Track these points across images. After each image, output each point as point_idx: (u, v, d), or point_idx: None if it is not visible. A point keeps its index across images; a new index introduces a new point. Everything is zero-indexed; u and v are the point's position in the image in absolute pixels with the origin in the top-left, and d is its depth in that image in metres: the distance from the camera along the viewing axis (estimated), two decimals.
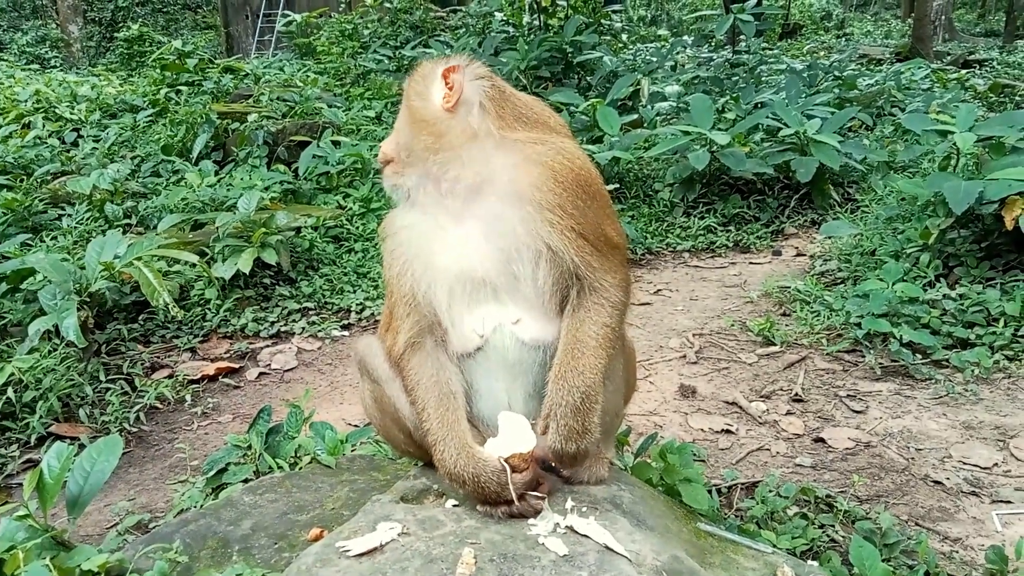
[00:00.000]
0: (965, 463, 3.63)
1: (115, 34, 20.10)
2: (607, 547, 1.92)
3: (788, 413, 4.20)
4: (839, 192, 7.78)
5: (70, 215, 6.71)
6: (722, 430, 4.05)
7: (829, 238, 6.50)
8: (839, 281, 5.80)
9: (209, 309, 5.49)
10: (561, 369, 2.06)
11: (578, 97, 9.15)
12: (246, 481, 3.04)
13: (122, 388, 4.49)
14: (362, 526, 2.06)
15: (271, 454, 3.19)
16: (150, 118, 9.47)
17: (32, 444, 3.97)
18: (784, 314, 5.49)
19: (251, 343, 5.31)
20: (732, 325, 5.36)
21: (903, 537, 2.90)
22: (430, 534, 2.00)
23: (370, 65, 12.24)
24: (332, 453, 3.03)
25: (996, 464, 3.60)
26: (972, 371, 4.37)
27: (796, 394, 4.36)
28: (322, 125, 8.49)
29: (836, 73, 12.01)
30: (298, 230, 6.24)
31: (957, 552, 3.00)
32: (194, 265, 5.34)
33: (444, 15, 15.17)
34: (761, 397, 4.39)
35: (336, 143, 7.91)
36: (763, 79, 11.92)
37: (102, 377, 4.50)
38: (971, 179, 5.23)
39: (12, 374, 3.97)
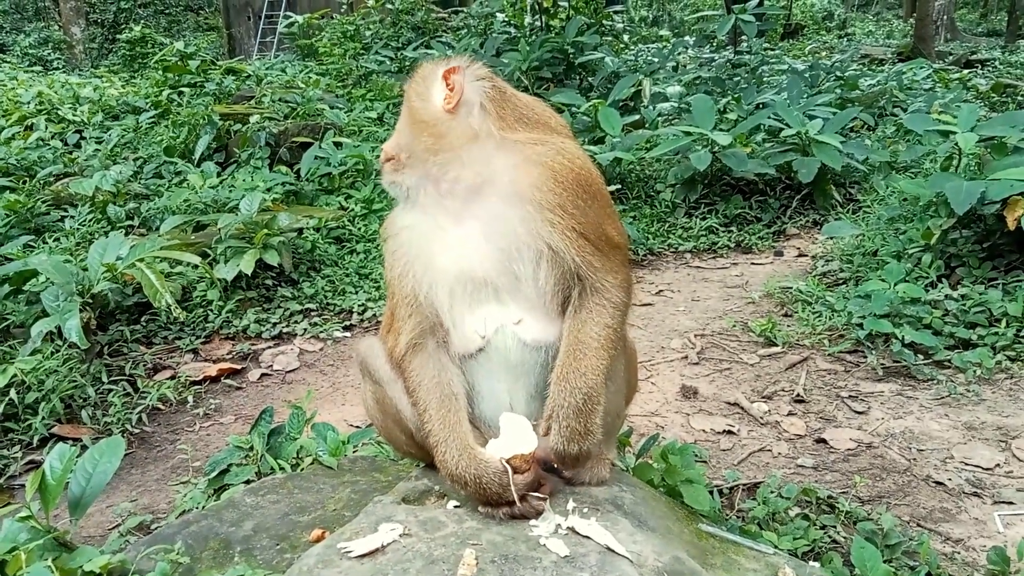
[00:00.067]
0: (967, 464, 3.63)
1: (117, 36, 20.12)
2: (608, 548, 1.92)
3: (790, 414, 4.20)
4: (841, 192, 7.78)
5: (72, 217, 6.72)
6: (724, 431, 4.05)
7: (831, 238, 6.50)
8: (841, 282, 5.80)
9: (211, 310, 5.50)
10: (563, 370, 2.06)
11: (580, 98, 9.15)
12: (248, 482, 3.04)
13: (124, 389, 4.50)
14: (364, 527, 2.06)
15: (273, 455, 3.20)
16: (152, 120, 9.47)
17: (34, 445, 3.98)
18: (786, 315, 5.49)
19: (253, 344, 5.31)
20: (734, 326, 5.36)
21: (905, 538, 2.90)
22: (432, 535, 2.00)
23: (372, 66, 12.25)
24: (334, 454, 3.03)
25: (998, 465, 3.60)
26: (974, 372, 4.36)
27: (798, 395, 4.35)
28: (324, 126, 8.50)
29: (838, 73, 12.01)
30: (300, 231, 6.25)
31: (959, 553, 3.00)
32: (196, 266, 5.35)
33: (446, 16, 15.18)
34: (763, 398, 4.39)
35: (338, 144, 7.91)
36: (765, 79, 11.91)
37: (104, 378, 4.51)
38: (973, 179, 5.22)
39: (15, 375, 3.97)
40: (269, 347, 5.31)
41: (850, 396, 4.33)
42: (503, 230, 2.06)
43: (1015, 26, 22.91)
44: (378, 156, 2.35)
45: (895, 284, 4.86)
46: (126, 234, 6.25)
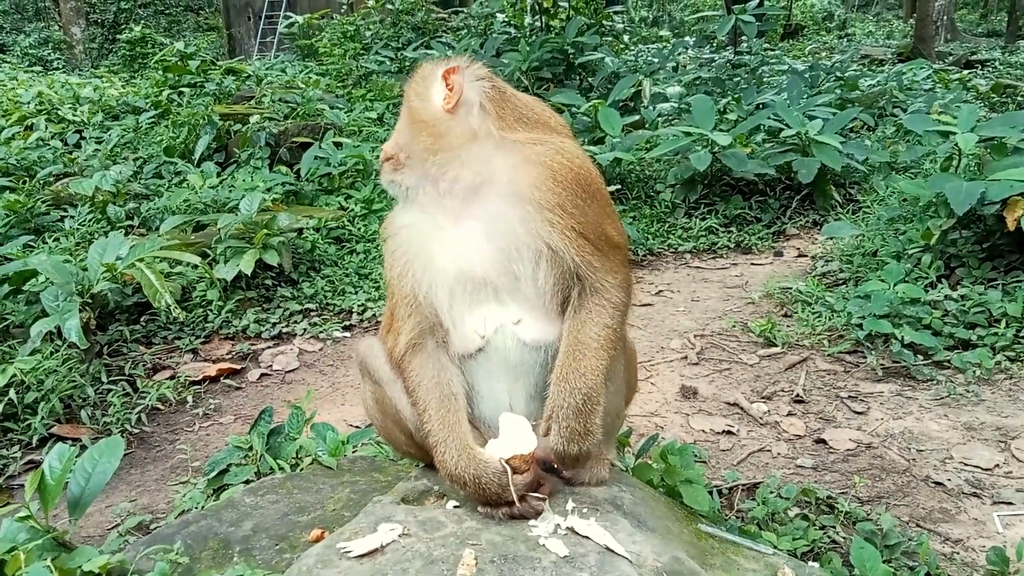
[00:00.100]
0: (966, 464, 3.63)
1: (117, 36, 20.12)
2: (608, 548, 1.92)
3: (789, 414, 4.20)
4: (841, 193, 7.78)
5: (72, 217, 6.72)
6: (723, 431, 4.05)
7: (831, 239, 6.50)
8: (840, 282, 5.80)
9: (211, 310, 5.50)
10: (563, 371, 2.06)
11: (580, 98, 9.15)
12: (247, 482, 3.04)
13: (124, 389, 4.50)
14: (363, 527, 2.06)
15: (272, 455, 3.20)
16: (152, 120, 9.48)
17: (34, 445, 3.98)
18: (785, 315, 5.49)
19: (253, 344, 5.31)
20: (733, 326, 5.36)
21: (904, 538, 2.90)
22: (431, 535, 2.00)
23: (372, 66, 12.25)
24: (333, 454, 3.03)
25: (997, 465, 3.60)
26: (973, 372, 4.36)
27: (797, 395, 4.35)
28: (324, 126, 8.50)
29: (838, 74, 12.02)
30: (300, 231, 6.25)
31: (958, 553, 3.00)
32: (196, 266, 5.35)
33: (446, 16, 15.18)
34: (762, 398, 4.39)
35: (338, 144, 7.92)
36: (765, 80, 11.92)
37: (104, 378, 4.50)
38: (973, 180, 5.22)
39: (14, 375, 3.97)
40: (269, 347, 5.31)
41: (849, 396, 4.33)
42: (502, 230, 2.06)
43: (1015, 27, 22.92)
44: (378, 156, 2.35)
45: (895, 284, 4.86)
46: (126, 234, 6.25)
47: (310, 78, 11.78)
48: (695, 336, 5.24)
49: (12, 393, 4.00)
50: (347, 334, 5.50)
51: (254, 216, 5.86)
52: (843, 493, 3.37)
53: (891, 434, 3.92)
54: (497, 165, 2.09)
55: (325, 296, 5.88)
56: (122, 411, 4.29)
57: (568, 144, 2.17)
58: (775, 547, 2.51)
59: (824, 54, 18.47)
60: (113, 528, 3.31)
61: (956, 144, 5.68)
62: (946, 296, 4.88)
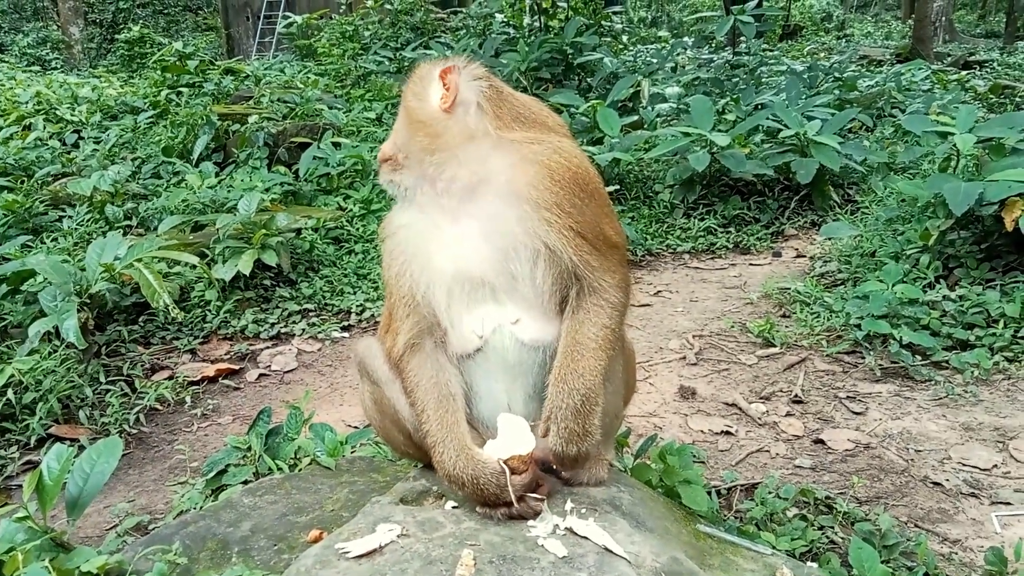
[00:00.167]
0: (964, 464, 3.63)
1: (116, 36, 20.11)
2: (606, 549, 1.92)
3: (788, 414, 4.20)
4: (839, 193, 7.78)
5: (71, 217, 6.72)
6: (722, 431, 4.05)
7: (829, 239, 6.50)
8: (839, 282, 5.80)
9: (209, 311, 5.50)
10: (561, 371, 2.06)
11: (578, 98, 9.16)
12: (246, 483, 3.04)
13: (122, 389, 4.49)
14: (361, 528, 2.06)
15: (271, 456, 3.20)
16: (151, 120, 9.47)
17: (32, 445, 3.97)
18: (784, 315, 5.50)
19: (251, 344, 5.31)
20: (732, 326, 5.36)
21: (902, 538, 2.90)
22: (429, 536, 2.00)
23: (371, 67, 12.25)
24: (332, 455, 3.03)
25: (995, 465, 3.60)
26: (972, 372, 4.37)
27: (796, 395, 4.35)
28: (323, 127, 8.50)
29: (836, 74, 12.03)
30: (298, 231, 6.25)
31: (956, 553, 3.00)
32: (194, 267, 5.35)
33: (445, 16, 15.18)
34: (761, 398, 4.39)
35: (336, 144, 7.91)
36: (763, 80, 11.93)
37: (102, 379, 4.50)
38: (971, 180, 5.23)
39: (12, 375, 3.97)
40: (267, 347, 5.30)
41: (848, 397, 4.33)
42: (500, 229, 2.06)
43: (1013, 27, 22.94)
44: (376, 156, 2.35)
45: (893, 285, 4.86)
46: (124, 234, 6.25)
47: (309, 78, 11.78)
48: (694, 336, 5.25)
49: (10, 393, 4.00)
50: (345, 334, 5.50)
51: (252, 216, 5.86)
52: (841, 493, 3.37)
53: (889, 434, 3.92)
54: (494, 164, 2.09)
55: (323, 296, 5.87)
56: (120, 411, 4.28)
57: (566, 143, 2.17)
58: (773, 547, 2.51)
59: (823, 55, 18.49)
60: (111, 528, 3.30)
61: (954, 145, 5.68)
62: (944, 296, 4.88)
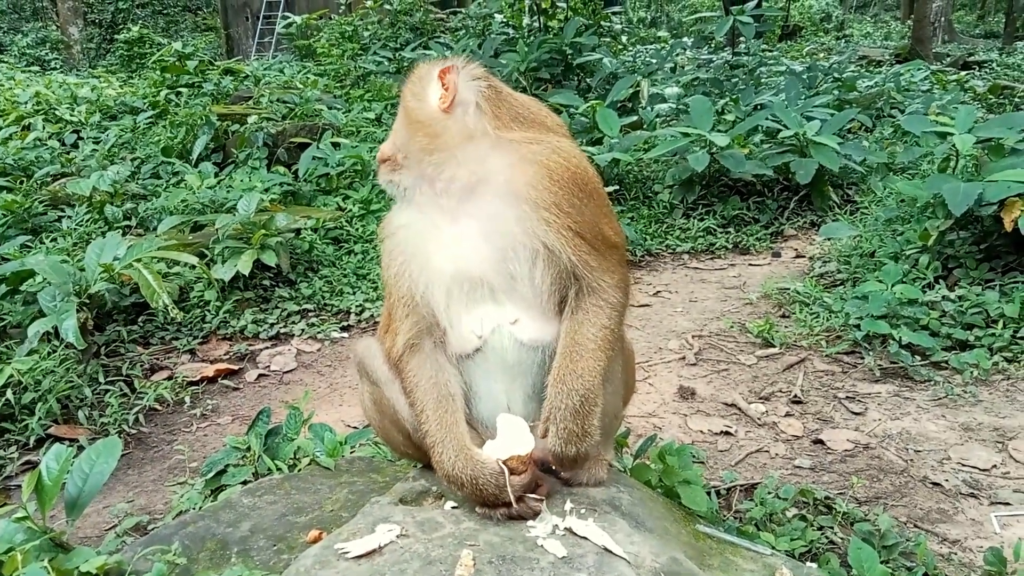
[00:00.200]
0: (964, 465, 3.63)
1: (115, 36, 20.10)
2: (606, 549, 1.92)
3: (787, 415, 4.20)
4: (838, 194, 7.79)
5: (70, 217, 6.71)
6: (721, 432, 4.05)
7: (828, 240, 6.50)
8: (838, 283, 5.81)
9: (208, 311, 5.49)
10: (560, 372, 2.06)
11: (578, 99, 9.16)
12: (245, 483, 3.04)
13: (121, 390, 4.49)
14: (361, 528, 2.06)
15: (270, 456, 3.20)
16: (150, 120, 9.46)
17: (31, 446, 3.97)
18: (783, 316, 5.50)
19: (250, 345, 5.31)
20: (731, 327, 5.36)
21: (902, 539, 2.90)
22: (429, 536, 2.00)
23: (370, 67, 12.25)
24: (331, 455, 3.03)
25: (995, 466, 3.60)
26: (971, 373, 4.37)
27: (795, 396, 4.36)
28: (322, 127, 8.50)
29: (836, 75, 12.03)
30: (298, 232, 6.25)
31: (956, 554, 3.00)
32: (194, 267, 5.35)
33: (444, 17, 15.18)
34: (760, 399, 4.39)
35: (336, 145, 7.91)
36: (763, 81, 11.94)
37: (101, 379, 4.50)
38: (970, 181, 5.23)
39: (11, 376, 3.97)
40: (266, 348, 5.30)
41: (847, 397, 4.33)
42: (499, 229, 2.06)
43: (1012, 28, 22.96)
44: (376, 157, 2.35)
45: (892, 285, 4.86)
46: (123, 234, 6.25)
47: (308, 78, 11.77)
48: (693, 337, 5.25)
49: (9, 393, 4.00)
50: (345, 335, 5.49)
51: (252, 216, 5.86)
52: (841, 494, 3.37)
53: (889, 435, 3.92)
54: (493, 164, 2.09)
55: (323, 297, 5.87)
56: (119, 412, 4.28)
57: (565, 143, 2.17)
58: (773, 547, 2.51)
59: (822, 55, 18.50)
60: (111, 529, 3.30)
61: (953, 145, 5.68)
62: (944, 297, 4.88)
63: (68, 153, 8.71)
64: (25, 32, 22.04)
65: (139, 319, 5.34)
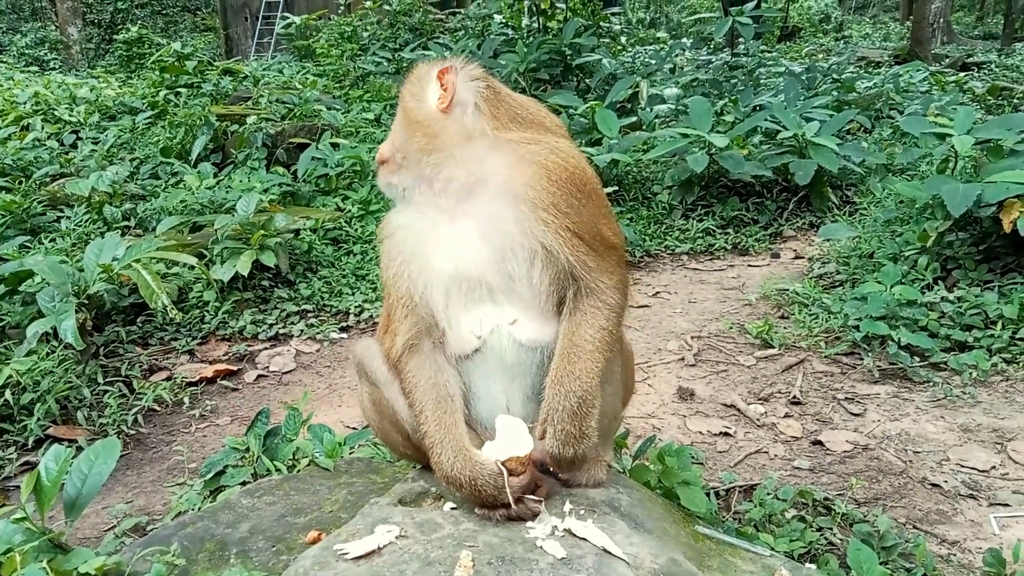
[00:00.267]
0: (963, 466, 3.63)
1: (114, 36, 20.10)
2: (605, 550, 1.92)
3: (786, 416, 4.20)
4: (837, 195, 7.79)
5: (69, 217, 6.71)
6: (720, 433, 4.05)
7: (827, 241, 6.51)
8: (837, 284, 5.81)
9: (207, 311, 5.49)
10: (558, 374, 2.06)
11: (577, 99, 9.16)
12: (244, 484, 3.03)
13: (120, 390, 4.49)
14: (360, 529, 2.06)
15: (269, 456, 3.19)
16: (149, 120, 9.46)
17: (30, 446, 3.97)
18: (782, 317, 5.50)
19: (249, 345, 5.31)
20: (730, 328, 5.36)
21: (901, 540, 2.91)
22: (428, 537, 2.00)
23: (369, 67, 12.25)
24: (330, 456, 3.02)
25: (994, 467, 3.61)
26: (970, 374, 4.37)
27: (794, 397, 4.36)
28: (321, 127, 8.50)
29: (835, 76, 12.03)
30: (297, 232, 6.25)
31: (955, 555, 3.00)
32: (193, 267, 5.34)
33: (443, 17, 15.18)
34: (759, 400, 4.39)
35: (335, 145, 7.91)
36: (762, 82, 11.94)
37: (100, 379, 4.49)
38: (969, 182, 5.24)
39: (10, 376, 3.96)
40: (265, 348, 5.30)
41: (846, 398, 4.33)
42: (497, 229, 2.06)
43: (1011, 29, 22.99)
44: (375, 157, 2.35)
45: (891, 286, 4.86)
46: (122, 235, 6.25)
47: (307, 79, 11.78)
48: (692, 338, 5.25)
49: (8, 394, 4.00)
50: (344, 335, 5.49)
51: (251, 217, 5.85)
52: (840, 495, 3.37)
53: (888, 436, 3.93)
54: (491, 164, 2.09)
55: (322, 297, 5.87)
56: (118, 412, 4.28)
57: (563, 144, 2.17)
58: (772, 549, 2.51)
59: (821, 56, 18.51)
60: (109, 530, 3.30)
61: (952, 146, 5.69)
62: (942, 298, 4.88)
63: (67, 153, 8.70)
64: (24, 32, 22.02)
65: (138, 320, 5.33)
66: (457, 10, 16.06)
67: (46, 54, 20.66)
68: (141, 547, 2.36)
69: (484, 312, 2.11)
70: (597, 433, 2.11)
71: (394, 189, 2.23)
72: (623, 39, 15.91)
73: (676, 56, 14.47)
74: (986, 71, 16.35)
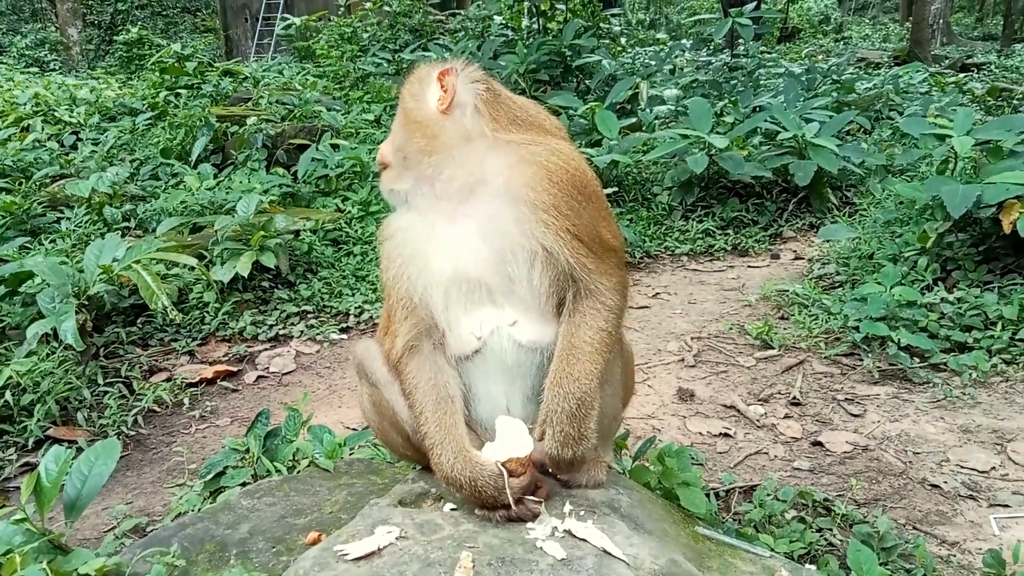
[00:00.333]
0: (963, 467, 3.64)
1: (114, 37, 20.10)
2: (605, 551, 1.92)
3: (786, 417, 4.20)
4: (837, 196, 7.80)
5: (69, 218, 6.71)
6: (720, 434, 4.05)
7: (827, 242, 6.51)
8: (837, 285, 5.81)
9: (207, 312, 5.49)
10: (557, 375, 2.06)
11: (577, 100, 9.17)
12: (244, 485, 3.03)
13: (120, 391, 4.49)
14: (360, 530, 2.06)
15: (269, 457, 3.19)
16: (149, 121, 9.47)
17: (30, 447, 3.97)
18: (782, 317, 5.50)
19: (249, 346, 5.31)
20: (730, 328, 5.36)
21: (901, 541, 2.91)
22: (428, 538, 2.00)
23: (369, 68, 12.25)
24: (330, 457, 3.02)
25: (993, 468, 3.61)
26: (970, 375, 4.37)
27: (794, 398, 4.36)
28: (321, 128, 8.50)
29: (834, 77, 12.04)
30: (297, 233, 6.25)
31: (955, 556, 3.00)
32: (193, 268, 5.34)
33: (443, 18, 15.19)
34: (759, 400, 4.39)
35: (335, 146, 7.92)
36: (761, 83, 11.94)
37: (100, 380, 4.49)
38: (969, 183, 5.24)
39: (10, 377, 3.96)
40: (265, 349, 5.30)
41: (846, 399, 4.33)
42: (497, 230, 2.06)
43: (1011, 30, 23.00)
44: (375, 158, 2.36)
45: (891, 287, 4.87)
46: (122, 236, 6.24)
47: (307, 80, 11.78)
48: (692, 338, 5.25)
49: (8, 395, 4.00)
50: (344, 336, 5.49)
51: (251, 218, 5.85)
52: (840, 495, 3.37)
53: (888, 436, 3.93)
54: (491, 165, 2.09)
55: (322, 298, 5.87)
56: (118, 413, 4.28)
57: (563, 146, 2.17)
58: (772, 549, 2.51)
59: (820, 57, 18.53)
60: (109, 531, 3.30)
61: (952, 147, 5.69)
62: (942, 299, 4.89)
63: (67, 154, 8.71)
64: (24, 33, 22.01)
65: (138, 320, 5.33)
66: (457, 11, 16.06)
67: (46, 55, 20.66)
68: (141, 548, 2.36)
69: (484, 313, 2.12)
70: (596, 434, 2.12)
71: (396, 195, 2.23)
72: (623, 40, 15.92)
73: (676, 57, 14.47)
74: (986, 72, 16.37)
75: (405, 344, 2.17)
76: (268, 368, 5.06)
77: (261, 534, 2.41)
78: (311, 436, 3.24)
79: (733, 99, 9.50)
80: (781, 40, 23.71)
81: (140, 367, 4.84)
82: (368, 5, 14.70)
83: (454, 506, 2.16)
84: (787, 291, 5.69)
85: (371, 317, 5.64)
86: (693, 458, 3.37)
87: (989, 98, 11.93)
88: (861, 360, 4.69)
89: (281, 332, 5.49)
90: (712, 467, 3.72)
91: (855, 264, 5.86)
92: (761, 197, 7.63)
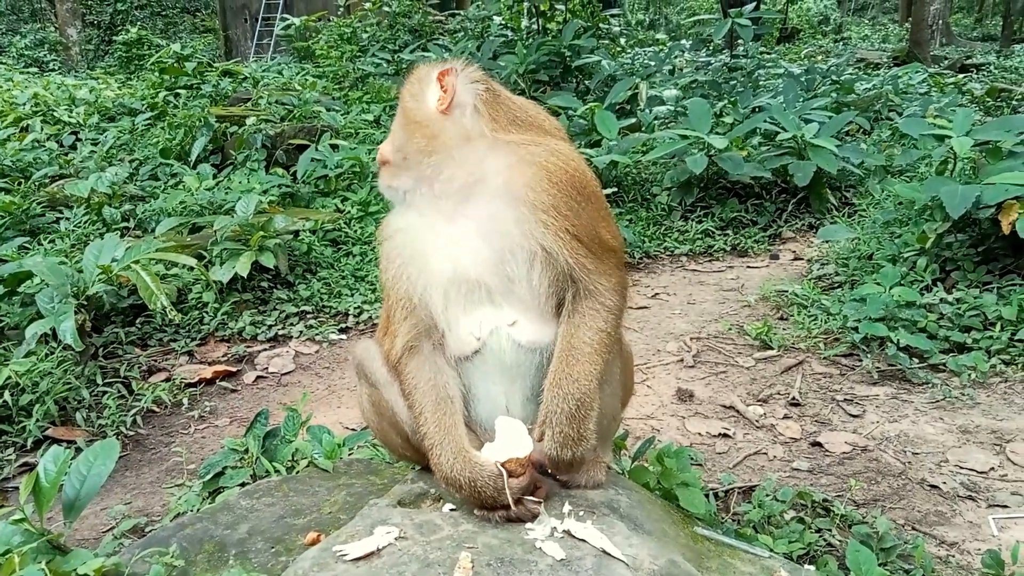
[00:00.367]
0: (962, 467, 3.64)
1: (114, 37, 20.10)
2: (604, 551, 1.92)
3: (785, 417, 4.20)
4: (836, 196, 7.80)
5: (68, 218, 6.70)
6: (719, 434, 4.05)
7: (826, 242, 6.51)
8: (836, 285, 5.81)
9: (207, 312, 5.49)
10: (556, 376, 2.06)
11: (576, 101, 9.17)
12: (243, 485, 3.03)
13: (119, 392, 4.49)
14: (359, 530, 2.06)
15: (268, 458, 3.19)
16: (148, 121, 9.46)
17: (28, 448, 3.96)
18: (781, 318, 5.50)
19: (248, 347, 5.30)
20: (729, 329, 5.36)
21: (900, 541, 2.91)
22: (427, 538, 2.00)
23: (369, 69, 12.25)
24: (329, 457, 3.02)
25: (992, 468, 3.61)
26: (969, 375, 4.37)
27: (793, 398, 4.36)
28: (320, 128, 8.50)
29: (834, 77, 12.05)
30: (296, 233, 6.25)
31: (953, 556, 3.01)
32: (192, 268, 5.34)
33: (443, 19, 15.19)
34: (758, 401, 4.39)
35: (334, 147, 7.91)
36: (761, 83, 11.95)
37: (99, 380, 4.49)
38: (968, 183, 5.24)
39: (9, 377, 3.96)
40: (264, 349, 5.30)
41: (845, 399, 4.33)
42: (497, 230, 2.06)
43: (1010, 31, 23.02)
44: (374, 158, 2.36)
45: (890, 288, 4.87)
46: (121, 236, 6.24)
47: (307, 80, 11.78)
48: (691, 339, 5.25)
49: (7, 395, 3.99)
50: (343, 336, 5.49)
51: (250, 218, 5.85)
52: (839, 496, 3.37)
53: (887, 437, 3.93)
54: (491, 166, 2.09)
55: (321, 298, 5.87)
56: (117, 413, 4.28)
57: (563, 146, 2.17)
58: (771, 550, 2.51)
59: (820, 58, 18.55)
60: (108, 531, 3.30)
61: (951, 148, 5.70)
62: (941, 299, 4.89)
63: (66, 154, 8.70)
64: (23, 33, 22.00)
65: (137, 321, 5.33)
66: (457, 12, 16.07)
67: (45, 55, 20.65)
68: (140, 548, 2.35)
69: (483, 314, 2.12)
70: (595, 435, 2.12)
71: (395, 192, 2.23)
72: (622, 41, 15.93)
73: (675, 58, 14.48)
74: (985, 73, 16.37)
75: (405, 344, 2.17)
76: (267, 368, 5.06)
77: (260, 534, 2.41)
78: (310, 436, 3.24)
79: (732, 100, 9.50)
80: (780, 41, 23.72)
81: (139, 367, 4.83)
82: (368, 5, 14.71)
83: (453, 506, 2.16)
84: (786, 292, 5.69)
85: (370, 317, 5.64)
86: (692, 458, 3.37)
87: (988, 99, 11.94)
88: (860, 361, 4.69)
89: (280, 332, 5.49)
90: (711, 467, 3.72)
91: (854, 264, 5.86)
92: (760, 198, 7.64)
